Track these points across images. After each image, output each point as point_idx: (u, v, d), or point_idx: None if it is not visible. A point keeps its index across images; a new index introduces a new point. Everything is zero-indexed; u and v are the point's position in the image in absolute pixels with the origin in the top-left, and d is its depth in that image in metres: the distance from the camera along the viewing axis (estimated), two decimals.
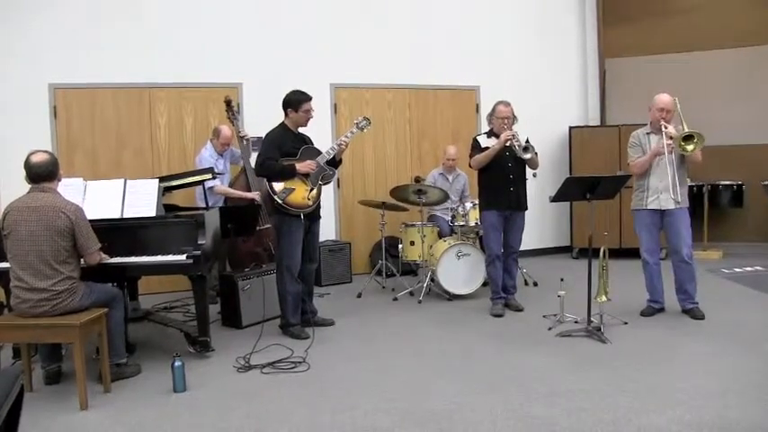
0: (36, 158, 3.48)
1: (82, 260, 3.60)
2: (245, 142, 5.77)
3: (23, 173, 3.51)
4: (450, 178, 6.58)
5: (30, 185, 3.52)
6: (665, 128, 4.55)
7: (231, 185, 5.83)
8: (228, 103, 5.76)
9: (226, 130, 5.78)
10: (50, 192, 3.50)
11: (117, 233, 3.96)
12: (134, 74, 6.24)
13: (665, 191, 4.66)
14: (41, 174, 3.48)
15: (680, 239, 4.70)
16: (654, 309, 4.89)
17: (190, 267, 3.96)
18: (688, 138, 4.45)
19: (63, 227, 3.41)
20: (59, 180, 3.62)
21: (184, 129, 6.47)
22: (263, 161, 4.50)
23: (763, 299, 5.40)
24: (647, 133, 4.81)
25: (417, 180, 6.29)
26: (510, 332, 4.62)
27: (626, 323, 4.64)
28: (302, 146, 4.65)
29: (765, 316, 4.81)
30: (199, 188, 5.42)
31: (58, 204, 3.44)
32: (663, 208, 4.71)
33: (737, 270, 6.61)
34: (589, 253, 4.48)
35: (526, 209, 5.17)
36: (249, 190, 5.70)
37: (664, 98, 4.68)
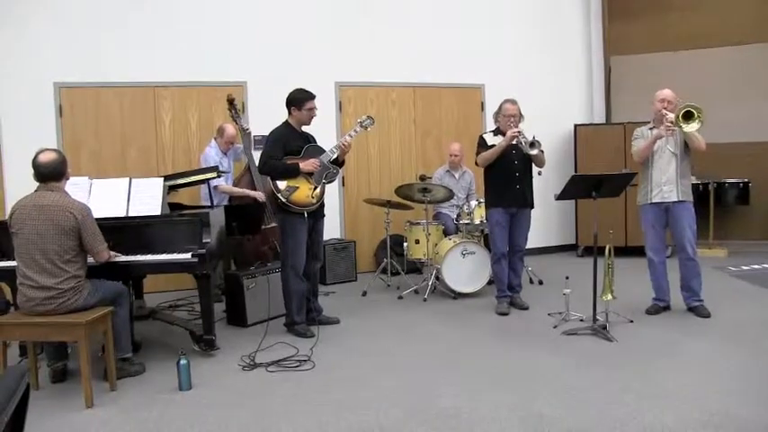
0: (43, 158, 3.48)
1: (89, 258, 3.60)
2: (247, 140, 5.76)
3: (31, 171, 3.51)
4: (457, 175, 6.57)
5: (38, 183, 3.53)
6: (666, 114, 4.54)
7: (235, 183, 5.83)
8: (231, 101, 5.77)
9: (230, 128, 5.78)
10: (57, 191, 3.51)
11: (122, 232, 3.97)
12: (139, 73, 6.25)
13: (668, 183, 4.67)
14: (48, 173, 3.48)
15: (684, 236, 4.69)
16: (659, 307, 4.88)
17: (195, 266, 3.96)
18: (688, 116, 4.41)
19: (69, 226, 3.41)
20: (67, 179, 3.63)
21: (189, 127, 6.48)
22: (266, 160, 4.50)
23: None
24: (651, 128, 4.81)
25: (422, 178, 6.28)
26: (515, 330, 4.62)
27: (631, 321, 4.63)
28: (306, 144, 4.65)
29: None
30: (204, 187, 5.43)
31: (64, 203, 3.45)
32: (666, 200, 4.69)
33: (744, 268, 6.58)
34: (594, 251, 4.46)
35: (532, 207, 5.16)
36: (254, 188, 5.70)
37: (665, 91, 4.71)
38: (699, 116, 4.38)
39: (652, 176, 4.75)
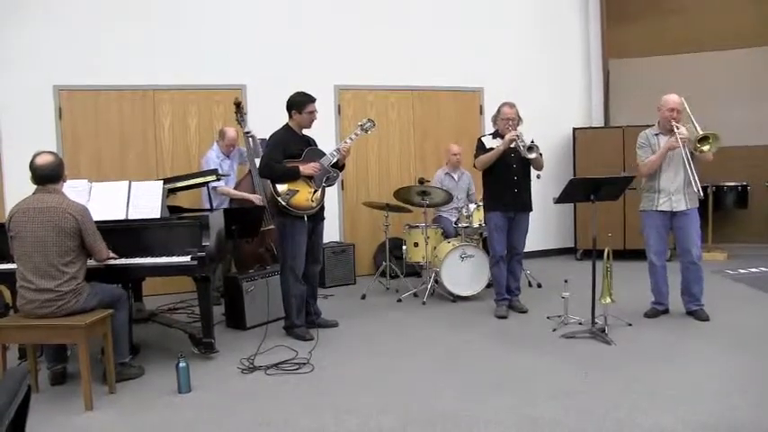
0: (40, 160, 3.49)
1: (89, 260, 3.61)
2: (251, 142, 5.75)
3: (29, 174, 3.52)
4: (456, 177, 6.56)
5: (35, 186, 3.53)
6: (677, 128, 4.53)
7: (237, 186, 5.84)
8: (238, 104, 5.77)
9: (231, 131, 5.79)
10: (56, 193, 3.51)
11: (122, 234, 3.97)
12: (138, 76, 6.25)
13: (676, 192, 4.65)
14: (46, 176, 3.49)
15: (690, 241, 4.68)
16: (658, 310, 4.88)
17: (194, 269, 3.97)
18: (703, 139, 4.45)
19: (69, 228, 3.42)
20: (64, 181, 3.64)
21: (188, 130, 6.48)
22: (266, 163, 4.51)
23: None
24: (656, 134, 4.76)
25: (421, 182, 6.28)
26: (514, 334, 4.62)
27: (630, 324, 4.63)
28: (306, 147, 4.66)
29: None
30: (204, 190, 5.43)
31: (64, 205, 3.46)
32: (674, 210, 4.68)
33: (742, 271, 6.59)
34: (593, 254, 4.47)
35: (531, 210, 5.17)
36: (254, 191, 5.70)
37: (673, 97, 4.65)
38: (713, 141, 4.42)
39: (660, 185, 4.70)
